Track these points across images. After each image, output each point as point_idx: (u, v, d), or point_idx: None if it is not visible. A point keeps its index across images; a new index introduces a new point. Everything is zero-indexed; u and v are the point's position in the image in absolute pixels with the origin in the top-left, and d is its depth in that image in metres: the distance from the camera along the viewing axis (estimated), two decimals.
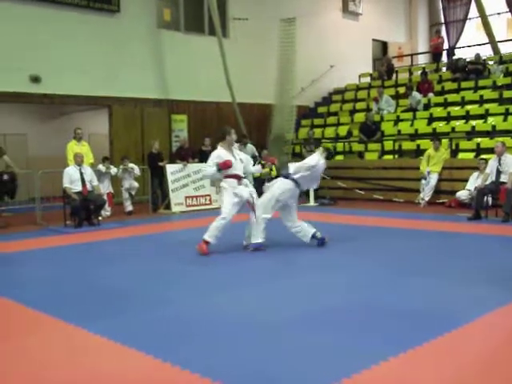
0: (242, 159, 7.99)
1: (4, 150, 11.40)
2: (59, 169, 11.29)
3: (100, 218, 11.19)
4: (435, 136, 13.77)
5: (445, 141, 13.79)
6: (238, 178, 7.84)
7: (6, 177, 10.86)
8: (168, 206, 13.28)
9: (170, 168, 13.42)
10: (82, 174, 10.81)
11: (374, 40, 22.56)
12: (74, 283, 6.31)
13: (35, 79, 13.70)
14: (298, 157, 16.13)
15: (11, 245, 9.09)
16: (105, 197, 11.78)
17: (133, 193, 13.08)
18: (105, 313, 5.06)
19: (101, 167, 12.48)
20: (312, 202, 14.07)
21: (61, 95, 14.21)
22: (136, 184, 13.04)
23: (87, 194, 10.74)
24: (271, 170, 14.66)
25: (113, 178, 12.88)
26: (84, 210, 10.74)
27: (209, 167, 7.85)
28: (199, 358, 3.89)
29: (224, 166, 7.70)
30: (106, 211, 12.17)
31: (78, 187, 10.70)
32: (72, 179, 10.71)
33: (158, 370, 3.73)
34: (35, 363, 3.93)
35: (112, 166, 12.77)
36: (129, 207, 12.96)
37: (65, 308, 5.23)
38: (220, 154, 7.84)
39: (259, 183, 14.34)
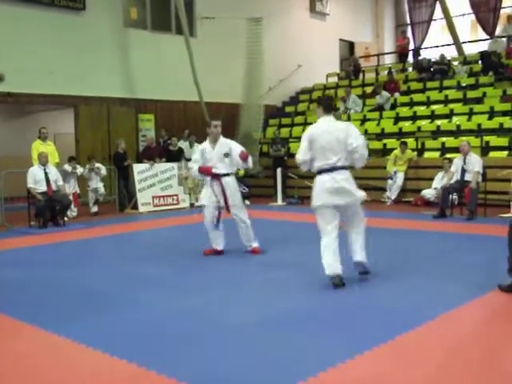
0: (227, 153, 7.39)
1: None
2: (23, 169, 11.11)
3: (66, 219, 11.07)
4: (401, 137, 13.92)
5: (411, 140, 13.95)
6: (213, 175, 7.37)
7: None
8: (135, 206, 13.18)
9: (137, 168, 13.32)
10: (46, 173, 10.67)
11: (341, 40, 22.70)
12: (40, 285, 6.20)
13: None
14: (265, 156, 16.18)
15: None
16: (71, 197, 11.65)
17: (100, 198, 12.93)
18: (73, 315, 5.00)
19: (67, 167, 12.35)
20: (280, 202, 14.11)
21: (25, 94, 13.99)
22: (103, 190, 12.88)
23: (52, 194, 10.60)
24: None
25: (79, 178, 12.75)
26: (49, 210, 10.60)
27: (194, 164, 7.55)
28: (169, 360, 3.87)
29: (203, 171, 7.40)
30: (72, 211, 12.03)
31: (43, 187, 10.56)
32: (36, 179, 10.57)
33: (125, 372, 3.70)
34: (5, 368, 3.87)
35: (78, 166, 12.64)
36: (94, 208, 12.82)
37: (31, 311, 5.16)
38: (202, 147, 7.55)
39: None
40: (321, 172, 5.65)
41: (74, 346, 4.19)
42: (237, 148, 7.48)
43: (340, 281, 5.54)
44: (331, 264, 5.56)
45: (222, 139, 7.53)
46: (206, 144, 7.53)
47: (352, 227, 5.87)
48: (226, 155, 7.37)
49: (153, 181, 13.36)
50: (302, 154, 5.77)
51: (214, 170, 7.33)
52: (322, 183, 5.63)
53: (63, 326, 4.63)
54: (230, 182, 7.39)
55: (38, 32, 14.03)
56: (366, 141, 5.72)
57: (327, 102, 5.91)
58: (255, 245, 7.52)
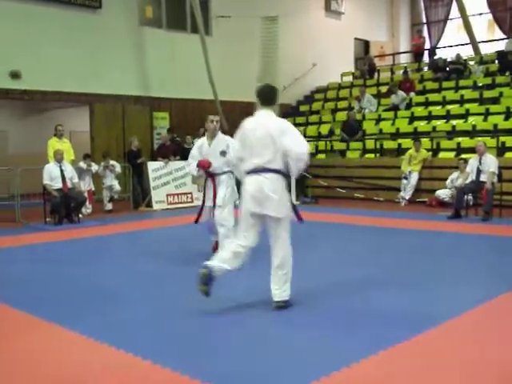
0: (224, 151, 6.83)
1: None
2: (40, 166, 11.19)
3: (80, 216, 11.13)
4: (416, 137, 13.88)
5: (426, 140, 13.89)
6: (208, 174, 6.97)
7: None
8: (149, 204, 13.23)
9: (152, 165, 13.37)
10: (62, 170, 10.73)
11: (356, 39, 22.63)
12: (54, 281, 6.26)
13: (15, 75, 13.56)
14: None
15: None
16: (85, 194, 11.72)
17: (115, 196, 13.02)
18: (87, 312, 5.03)
19: (82, 164, 12.42)
20: (294, 201, 14.08)
21: (41, 91, 14.09)
22: (118, 188, 12.97)
23: (68, 191, 10.67)
24: None
25: (94, 175, 12.84)
26: (64, 207, 10.66)
27: (191, 160, 7.12)
28: (181, 357, 3.89)
29: (200, 165, 6.93)
30: (87, 208, 12.10)
31: (59, 184, 10.63)
32: (52, 176, 10.64)
33: (139, 369, 3.72)
34: (20, 363, 3.91)
35: (93, 164, 12.72)
36: (109, 206, 12.90)
37: (45, 307, 5.19)
38: (200, 143, 7.16)
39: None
40: (248, 173, 4.86)
41: (88, 341, 4.23)
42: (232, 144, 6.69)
43: (206, 278, 4.72)
44: (220, 260, 4.81)
45: (220, 136, 7.00)
46: (204, 140, 7.12)
47: (272, 253, 4.89)
48: (223, 153, 6.82)
49: (167, 179, 13.40)
50: (234, 153, 5.16)
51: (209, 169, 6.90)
52: (245, 186, 4.86)
53: (77, 321, 4.67)
54: (225, 181, 6.88)
55: (55, 30, 14.11)
56: (307, 145, 4.77)
57: (266, 93, 5.05)
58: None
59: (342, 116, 16.91)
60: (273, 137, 4.71)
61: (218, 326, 4.49)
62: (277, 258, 4.82)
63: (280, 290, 4.83)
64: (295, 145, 4.70)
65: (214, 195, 6.87)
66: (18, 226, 10.67)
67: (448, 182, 11.80)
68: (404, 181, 13.11)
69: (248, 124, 4.95)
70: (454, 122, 14.40)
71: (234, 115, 16.96)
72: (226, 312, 4.87)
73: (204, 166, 6.88)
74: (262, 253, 4.93)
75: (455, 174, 11.66)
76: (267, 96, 5.03)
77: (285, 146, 4.68)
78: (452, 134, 14.16)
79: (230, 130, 15.76)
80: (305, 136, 16.25)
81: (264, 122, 4.83)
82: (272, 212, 4.73)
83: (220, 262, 4.79)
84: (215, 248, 7.02)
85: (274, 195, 4.72)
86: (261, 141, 4.74)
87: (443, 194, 11.91)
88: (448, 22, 23.47)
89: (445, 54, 19.21)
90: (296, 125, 17.46)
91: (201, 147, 7.06)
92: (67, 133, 14.43)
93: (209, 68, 15.62)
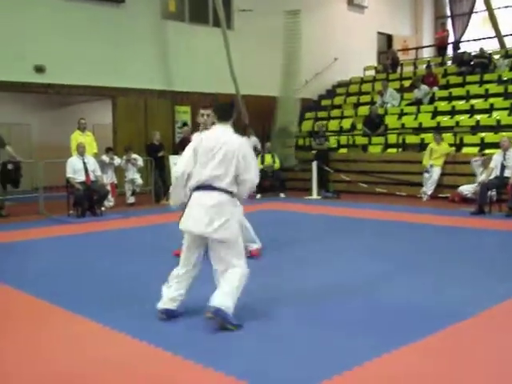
0: None
1: (5, 141, 11.38)
2: (62, 159, 11.30)
3: (103, 209, 11.22)
4: (436, 130, 13.77)
5: (449, 135, 13.77)
6: None
7: (10, 166, 10.87)
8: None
9: (173, 159, 13.40)
10: (85, 163, 10.83)
11: (379, 33, 22.46)
12: (78, 273, 6.33)
13: (39, 69, 13.68)
14: (302, 149, 16.17)
15: (14, 234, 9.11)
16: (108, 187, 11.81)
17: (137, 189, 13.11)
18: (110, 303, 5.07)
19: (104, 158, 12.52)
20: (315, 195, 14.07)
21: (65, 85, 14.19)
22: (140, 181, 13.06)
23: (90, 183, 10.76)
24: (274, 161, 14.69)
25: (116, 168, 12.93)
26: (87, 200, 10.76)
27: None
28: (210, 352, 3.91)
29: None
30: (109, 201, 12.19)
31: (82, 177, 10.73)
32: (75, 169, 10.74)
33: (166, 362, 3.75)
34: (44, 354, 3.95)
35: (115, 157, 12.81)
36: (131, 199, 12.99)
37: (69, 298, 5.25)
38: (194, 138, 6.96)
39: (262, 176, 14.36)
40: (196, 188, 4.47)
41: (111, 332, 4.27)
42: None
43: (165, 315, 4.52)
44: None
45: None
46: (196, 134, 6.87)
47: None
48: None
49: None
50: (182, 165, 4.58)
51: None
52: (190, 201, 4.48)
53: (100, 313, 4.72)
54: None
55: (79, 24, 14.20)
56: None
57: (223, 109, 4.73)
58: (255, 246, 6.77)
59: (364, 110, 16.82)
60: (228, 156, 4.41)
61: (247, 320, 4.49)
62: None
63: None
64: (253, 173, 4.49)
65: None
66: (42, 219, 10.78)
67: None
68: (426, 175, 13.02)
69: (204, 136, 4.62)
70: (478, 117, 14.24)
71: (255, 109, 17.00)
72: (241, 309, 4.85)
73: None
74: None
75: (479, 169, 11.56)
76: (224, 111, 4.70)
77: (242, 173, 4.43)
78: (476, 128, 14.01)
79: (252, 125, 15.83)
80: (327, 130, 16.24)
81: (224, 139, 4.48)
82: (214, 234, 4.35)
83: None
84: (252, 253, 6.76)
85: (220, 217, 4.35)
86: (214, 155, 4.42)
87: (466, 189, 11.78)
88: (473, 14, 23.16)
89: (469, 47, 18.98)
90: (318, 119, 17.46)
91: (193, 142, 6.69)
92: (90, 126, 14.55)
93: (230, 62, 15.62)
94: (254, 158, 4.59)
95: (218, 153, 4.41)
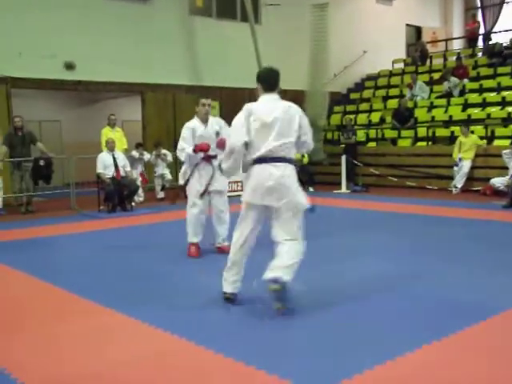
0: (218, 132, 6.67)
1: (36, 138, 11.55)
2: (92, 155, 11.43)
3: (133, 204, 11.31)
4: (467, 123, 13.60)
5: (480, 127, 13.58)
6: (207, 158, 6.65)
7: (41, 162, 11.02)
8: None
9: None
10: (115, 159, 10.93)
11: (407, 25, 22.21)
12: (110, 268, 6.40)
13: (69, 66, 13.83)
14: (331, 143, 16.10)
15: (46, 229, 9.25)
16: (138, 180, 11.97)
17: (167, 185, 13.20)
18: (142, 298, 5.11)
19: (134, 153, 12.62)
20: (344, 189, 14.01)
21: (94, 82, 14.33)
22: (170, 176, 13.15)
23: (120, 179, 10.86)
24: (303, 156, 14.63)
25: (146, 164, 13.04)
26: (117, 195, 10.86)
27: (185, 145, 6.63)
28: (235, 344, 3.93)
29: (198, 150, 6.55)
30: (140, 197, 12.30)
31: (112, 172, 10.83)
32: (105, 164, 10.85)
33: (197, 356, 3.77)
34: (76, 346, 4.01)
35: (145, 152, 12.91)
36: (161, 194, 13.09)
37: (102, 292, 5.30)
38: (191, 126, 6.79)
39: None
40: (258, 161, 4.47)
41: (143, 326, 4.31)
42: (226, 130, 6.41)
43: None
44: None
45: (212, 118, 6.89)
46: (195, 122, 6.81)
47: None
48: (217, 134, 6.60)
49: None
50: (239, 135, 4.47)
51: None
52: (254, 174, 4.50)
53: (132, 307, 4.75)
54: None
55: (107, 21, 14.33)
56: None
57: (272, 77, 4.69)
58: (227, 243, 6.46)
59: (393, 104, 16.68)
60: (291, 124, 4.46)
61: (257, 318, 4.50)
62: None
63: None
64: (310, 135, 4.63)
65: (210, 181, 6.61)
66: (73, 214, 10.93)
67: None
68: (455, 168, 12.88)
69: (257, 109, 4.51)
70: (510, 109, 14.02)
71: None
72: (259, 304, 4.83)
73: (203, 148, 6.52)
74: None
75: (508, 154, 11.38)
76: (270, 80, 4.67)
77: (302, 136, 4.54)
78: (507, 121, 13.80)
79: None
80: (355, 124, 16.15)
81: (279, 108, 4.48)
82: (287, 203, 4.42)
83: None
84: (222, 249, 6.66)
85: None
86: (274, 125, 4.40)
87: (498, 182, 11.60)
88: (504, 5, 22.76)
89: (500, 39, 18.69)
90: (346, 113, 17.37)
91: (193, 130, 6.69)
92: (119, 122, 14.69)
93: (258, 56, 15.58)
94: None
95: (275, 123, 4.40)
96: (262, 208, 4.51)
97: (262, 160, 4.43)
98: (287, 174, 4.45)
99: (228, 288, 4.74)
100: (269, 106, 4.51)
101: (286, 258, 4.37)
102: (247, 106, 4.56)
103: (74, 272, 6.24)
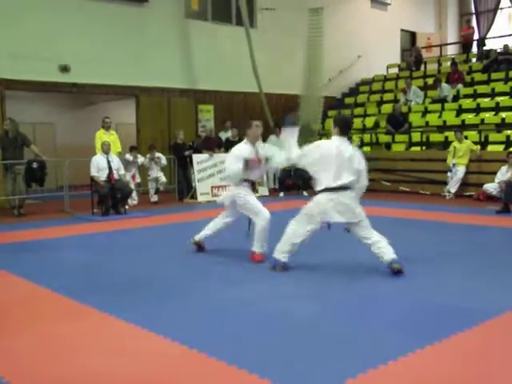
0: (267, 158, 6.74)
1: (30, 140, 11.51)
2: (87, 157, 11.40)
3: (127, 207, 11.29)
4: (461, 128, 13.64)
5: (474, 133, 13.62)
6: (251, 183, 6.74)
7: (35, 165, 10.98)
8: (194, 196, 13.36)
9: (197, 158, 13.48)
10: (109, 162, 10.91)
11: (402, 30, 22.30)
12: (103, 271, 6.37)
13: (64, 69, 13.80)
14: None
15: (39, 232, 9.21)
16: (131, 183, 11.97)
17: (161, 188, 13.19)
18: (134, 301, 5.11)
19: (128, 156, 12.61)
20: None
21: (89, 84, 14.31)
22: (164, 179, 13.15)
23: (114, 182, 10.83)
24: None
25: (140, 167, 13.02)
26: (111, 198, 10.84)
27: (234, 164, 6.53)
28: (228, 347, 3.92)
29: (252, 164, 6.53)
30: (133, 200, 12.28)
31: (105, 175, 10.81)
32: (99, 167, 10.83)
33: (188, 358, 3.76)
34: (65, 349, 3.99)
35: (139, 156, 12.89)
36: (154, 197, 13.08)
37: (94, 295, 5.28)
38: (240, 148, 6.66)
39: (285, 174, 14.36)
40: (332, 189, 5.76)
41: (135, 329, 4.30)
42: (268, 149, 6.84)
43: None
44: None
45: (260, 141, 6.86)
46: (243, 145, 6.72)
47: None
48: (267, 160, 6.74)
49: (212, 171, 13.49)
50: (301, 158, 5.95)
51: (251, 177, 6.66)
52: (330, 199, 5.78)
53: (123, 310, 4.74)
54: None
55: (102, 24, 14.30)
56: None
57: (346, 123, 6.07)
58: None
59: (387, 108, 16.72)
60: (358, 165, 5.80)
61: (260, 317, 4.51)
62: None
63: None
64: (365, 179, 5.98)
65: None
66: (66, 217, 10.89)
67: (498, 175, 11.53)
68: (448, 173, 12.90)
69: (336, 148, 5.74)
70: (504, 115, 14.08)
71: (278, 108, 17.01)
72: (279, 304, 4.87)
73: (255, 163, 6.59)
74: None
75: (503, 168, 11.42)
76: (347, 126, 6.16)
77: (360, 180, 5.91)
78: (501, 126, 13.85)
79: (275, 124, 15.80)
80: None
81: (350, 151, 5.80)
82: (353, 219, 5.85)
83: None
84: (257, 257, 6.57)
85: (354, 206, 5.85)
86: (344, 165, 5.72)
87: (491, 187, 11.65)
88: (498, 11, 22.86)
89: (494, 44, 18.76)
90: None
91: (239, 152, 6.60)
92: (113, 125, 14.67)
93: (253, 60, 15.61)
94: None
95: (351, 162, 5.75)
96: None
97: None
98: None
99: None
100: (344, 147, 5.83)
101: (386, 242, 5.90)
102: None
103: (67, 275, 6.21)
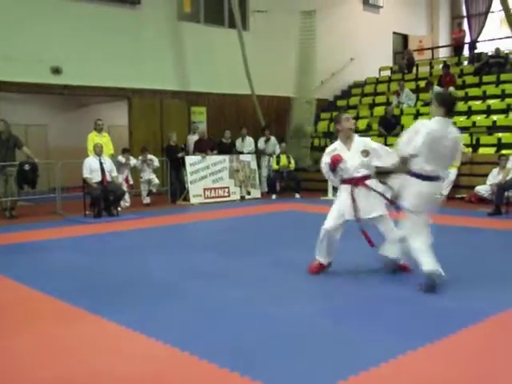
0: (365, 151, 5.86)
1: (22, 142, 11.47)
2: (79, 159, 11.38)
3: (119, 209, 11.27)
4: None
5: (465, 135, 13.67)
6: (353, 182, 5.89)
7: (27, 167, 10.94)
8: (186, 198, 13.35)
9: (189, 160, 13.48)
10: (101, 164, 10.89)
11: (394, 33, 22.37)
12: (94, 273, 6.36)
13: (56, 70, 13.77)
14: (318, 150, 16.12)
15: (31, 234, 9.18)
16: (124, 185, 11.94)
17: (154, 190, 13.18)
18: (126, 303, 5.10)
19: (120, 158, 12.59)
20: (331, 196, 14.02)
21: (81, 86, 14.27)
22: (157, 181, 13.15)
23: (107, 184, 10.82)
24: (290, 162, 14.65)
25: (132, 169, 13.00)
26: (103, 200, 10.82)
27: (325, 163, 6.05)
28: (221, 349, 3.92)
29: (332, 163, 5.92)
30: (126, 202, 12.25)
31: (98, 177, 10.79)
32: (92, 169, 10.81)
33: (178, 360, 3.76)
34: (57, 352, 3.98)
35: (131, 158, 12.87)
36: (147, 199, 13.06)
37: (85, 298, 5.27)
38: (334, 147, 6.01)
39: (278, 177, 14.38)
40: (426, 178, 5.28)
41: (126, 331, 4.29)
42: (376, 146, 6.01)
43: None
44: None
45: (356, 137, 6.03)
46: (337, 143, 6.03)
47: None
48: (365, 152, 5.86)
49: (204, 173, 13.50)
50: (409, 147, 5.21)
51: (348, 175, 5.88)
52: (424, 187, 5.41)
53: (115, 312, 4.73)
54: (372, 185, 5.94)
55: (94, 26, 14.27)
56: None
57: (453, 103, 5.45)
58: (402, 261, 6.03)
59: (379, 111, 16.76)
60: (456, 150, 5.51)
61: (260, 319, 4.51)
62: None
63: None
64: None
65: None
66: (58, 219, 10.86)
67: (490, 178, 11.57)
68: None
69: (436, 129, 5.21)
70: (495, 117, 14.15)
71: (270, 110, 17.04)
72: (274, 304, 4.88)
73: (336, 160, 5.87)
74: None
75: (495, 171, 11.47)
76: (453, 105, 5.44)
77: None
78: (492, 129, 13.91)
79: (268, 126, 15.82)
80: None
81: (452, 132, 5.36)
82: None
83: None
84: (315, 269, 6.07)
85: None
86: (448, 151, 5.32)
87: (483, 190, 11.71)
88: (489, 14, 22.96)
89: (486, 48, 18.85)
90: (333, 120, 17.38)
91: (332, 151, 6.00)
92: (105, 127, 14.64)
93: (246, 63, 15.64)
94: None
95: (449, 148, 5.32)
96: None
97: None
98: None
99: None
100: (446, 130, 5.36)
101: None
102: None
103: (59, 277, 6.19)
